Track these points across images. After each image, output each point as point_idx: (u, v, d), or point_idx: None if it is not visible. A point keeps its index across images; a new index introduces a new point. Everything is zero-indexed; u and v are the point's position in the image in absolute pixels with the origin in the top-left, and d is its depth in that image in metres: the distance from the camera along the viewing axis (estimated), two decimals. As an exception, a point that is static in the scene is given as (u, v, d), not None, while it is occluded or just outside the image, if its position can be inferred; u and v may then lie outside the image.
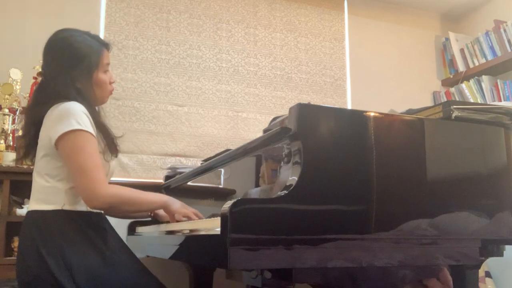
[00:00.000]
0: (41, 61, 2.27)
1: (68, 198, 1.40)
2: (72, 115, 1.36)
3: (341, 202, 1.06)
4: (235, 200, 0.96)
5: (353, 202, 1.08)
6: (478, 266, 1.32)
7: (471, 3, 3.35)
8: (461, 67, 3.23)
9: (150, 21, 2.70)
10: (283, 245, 0.99)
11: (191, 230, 1.35)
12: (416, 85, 3.33)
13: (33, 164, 1.54)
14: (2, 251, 2.05)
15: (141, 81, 2.63)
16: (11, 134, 2.24)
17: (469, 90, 3.12)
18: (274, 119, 1.88)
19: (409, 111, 1.43)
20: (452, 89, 3.27)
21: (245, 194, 1.46)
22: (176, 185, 2.22)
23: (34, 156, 1.51)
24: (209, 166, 1.76)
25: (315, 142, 1.07)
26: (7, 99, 2.25)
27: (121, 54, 2.58)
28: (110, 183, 1.44)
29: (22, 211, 2.12)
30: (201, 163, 2.01)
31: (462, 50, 3.25)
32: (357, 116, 1.14)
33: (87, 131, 1.37)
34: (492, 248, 1.30)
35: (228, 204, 0.96)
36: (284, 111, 2.74)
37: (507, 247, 1.34)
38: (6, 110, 2.24)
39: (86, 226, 1.41)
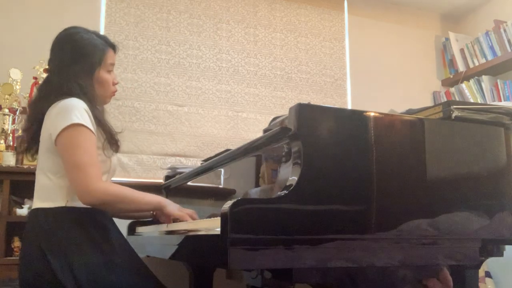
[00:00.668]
0: (41, 61, 2.29)
1: (71, 195, 1.40)
2: (72, 111, 1.37)
3: (341, 202, 1.06)
4: (235, 200, 0.96)
5: (353, 202, 1.08)
6: (478, 266, 1.32)
7: (471, 3, 3.35)
8: (461, 67, 3.23)
9: (150, 21, 2.71)
10: (283, 245, 0.99)
11: (191, 230, 1.35)
12: (416, 85, 3.33)
13: (34, 160, 1.56)
14: (2, 251, 2.06)
15: (141, 81, 2.63)
16: (11, 134, 2.24)
17: (469, 90, 3.12)
18: (274, 119, 1.88)
19: (409, 111, 1.43)
20: (452, 89, 3.27)
21: (245, 194, 1.46)
22: (176, 185, 2.22)
23: (35, 152, 1.52)
24: (209, 166, 1.76)
25: (315, 142, 1.07)
26: (7, 99, 2.25)
27: (121, 54, 2.58)
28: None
29: (22, 211, 2.13)
30: (201, 163, 2.01)
31: (462, 50, 3.25)
32: (357, 116, 1.14)
33: (85, 127, 1.37)
34: (492, 248, 1.30)
35: (228, 204, 0.96)
36: (284, 111, 2.74)
37: (507, 247, 1.34)
38: (6, 110, 2.24)
39: (89, 224, 1.41)
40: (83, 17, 2.57)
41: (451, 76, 3.33)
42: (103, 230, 1.44)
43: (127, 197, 1.42)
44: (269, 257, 0.97)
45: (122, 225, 2.01)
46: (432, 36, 3.51)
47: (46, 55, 2.36)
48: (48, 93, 1.47)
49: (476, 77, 3.12)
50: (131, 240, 1.96)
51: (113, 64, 1.59)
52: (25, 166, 2.15)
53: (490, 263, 2.34)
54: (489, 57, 3.05)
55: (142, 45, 2.66)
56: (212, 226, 1.14)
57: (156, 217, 1.79)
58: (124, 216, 1.84)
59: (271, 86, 2.92)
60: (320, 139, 1.08)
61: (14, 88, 2.28)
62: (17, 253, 2.13)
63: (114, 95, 1.63)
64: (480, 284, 2.04)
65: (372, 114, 1.15)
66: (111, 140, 1.49)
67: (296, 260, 1.00)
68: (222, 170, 1.71)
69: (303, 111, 1.07)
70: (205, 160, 1.96)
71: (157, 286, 1.47)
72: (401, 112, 1.43)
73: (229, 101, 2.81)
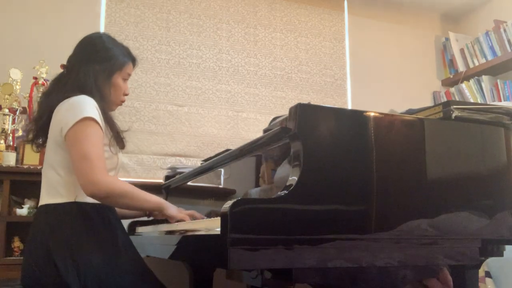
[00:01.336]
0: (41, 61, 2.29)
1: (80, 190, 1.41)
2: (82, 106, 1.40)
3: (341, 202, 1.06)
4: (235, 200, 0.96)
5: (353, 202, 1.08)
6: (478, 266, 1.32)
7: (471, 3, 3.35)
8: (461, 67, 3.23)
9: (150, 21, 2.71)
10: (283, 245, 0.99)
11: (191, 230, 1.35)
12: (416, 85, 3.33)
13: (37, 152, 1.62)
14: (2, 251, 2.05)
15: (141, 81, 2.63)
16: (11, 134, 2.24)
17: (469, 90, 3.12)
18: (274, 119, 1.88)
19: (409, 111, 1.43)
20: (452, 89, 3.27)
21: (245, 194, 1.46)
22: (176, 185, 2.22)
23: (41, 144, 1.55)
24: (209, 166, 1.76)
25: (315, 142, 1.07)
26: (7, 99, 2.25)
27: (121, 54, 2.58)
28: None
29: (22, 211, 2.13)
30: (201, 163, 2.01)
31: (462, 50, 3.25)
32: (357, 116, 1.14)
33: (95, 121, 1.40)
34: (492, 248, 1.30)
35: (228, 204, 0.96)
36: (284, 111, 2.74)
37: (507, 247, 1.34)
38: (6, 110, 2.24)
39: (97, 221, 1.42)
40: (83, 17, 2.58)
41: (451, 76, 3.33)
42: (110, 227, 1.46)
43: (130, 193, 1.43)
44: (269, 257, 0.97)
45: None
46: (432, 36, 3.51)
47: (46, 55, 2.37)
48: (63, 86, 1.51)
49: (476, 77, 3.12)
50: (131, 240, 1.96)
51: (129, 75, 1.65)
52: (25, 166, 2.15)
53: (490, 263, 2.34)
54: (489, 57, 3.05)
55: (142, 45, 2.66)
56: (212, 226, 1.14)
57: (152, 215, 1.81)
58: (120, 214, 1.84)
59: (271, 86, 2.92)
60: (320, 139, 1.08)
61: (14, 88, 2.28)
62: (17, 253, 2.13)
63: (121, 104, 1.67)
64: (480, 284, 2.04)
65: (372, 114, 1.15)
66: (118, 138, 1.52)
67: (296, 260, 1.00)
68: (222, 170, 1.71)
69: (303, 111, 1.07)
70: (205, 160, 1.96)
71: (157, 286, 1.48)
72: (401, 112, 1.43)
73: (229, 101, 2.81)
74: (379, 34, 3.32)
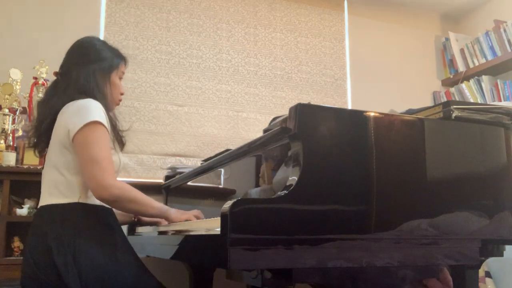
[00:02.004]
0: (41, 61, 2.29)
1: (84, 191, 1.43)
2: (91, 109, 1.42)
3: (341, 202, 1.06)
4: (235, 200, 0.96)
5: (353, 202, 1.08)
6: (478, 266, 1.32)
7: (471, 3, 3.35)
8: (461, 67, 3.23)
9: (150, 21, 2.70)
10: (283, 245, 0.99)
11: (191, 230, 1.35)
12: (416, 85, 3.33)
13: (40, 157, 1.61)
14: (2, 251, 2.05)
15: (141, 81, 2.63)
16: (11, 134, 2.24)
17: (469, 90, 3.12)
18: (274, 119, 1.88)
19: (409, 111, 1.43)
20: (452, 89, 3.27)
21: (245, 194, 1.46)
22: (176, 185, 2.22)
23: (43, 148, 1.55)
24: (209, 166, 1.76)
25: (315, 142, 1.07)
26: (7, 99, 2.25)
27: (121, 54, 2.58)
28: None
29: (22, 211, 2.13)
30: (201, 163, 2.01)
31: (462, 50, 3.25)
32: (357, 116, 1.14)
33: (103, 125, 1.41)
34: (492, 248, 1.30)
35: (228, 204, 0.96)
36: (284, 111, 2.74)
37: (507, 247, 1.34)
38: (6, 110, 2.24)
39: (98, 222, 1.43)
40: (83, 17, 2.58)
41: (451, 76, 3.33)
42: (110, 229, 1.46)
43: (139, 199, 1.44)
44: (269, 257, 0.97)
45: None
46: (432, 36, 3.51)
47: (46, 55, 2.37)
48: (64, 90, 1.52)
49: (476, 77, 3.12)
50: (131, 240, 1.97)
51: (123, 73, 1.67)
52: (25, 166, 2.15)
53: (490, 263, 2.34)
54: (489, 57, 3.04)
55: (142, 45, 2.66)
56: (212, 226, 1.14)
57: (138, 220, 1.83)
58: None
59: (271, 86, 2.92)
60: (320, 139, 1.08)
61: (14, 88, 2.28)
62: (17, 253, 2.13)
63: (118, 104, 1.68)
64: (480, 284, 2.04)
65: (372, 114, 1.15)
66: (118, 138, 1.55)
67: (296, 260, 1.00)
68: (222, 170, 1.71)
69: (303, 111, 1.07)
70: (205, 160, 1.96)
71: (157, 286, 1.48)
72: (401, 112, 1.43)
73: (229, 101, 2.81)
74: (379, 34, 3.32)
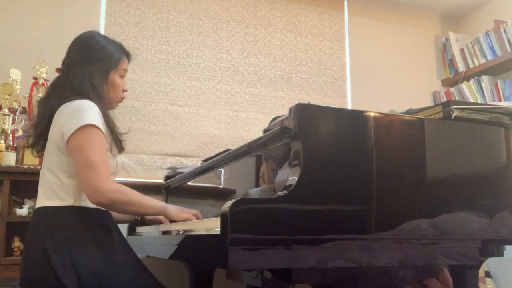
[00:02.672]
0: (41, 61, 2.29)
1: (79, 194, 1.42)
2: (85, 111, 1.40)
3: (341, 202, 1.06)
4: (235, 200, 0.96)
5: (353, 202, 1.08)
6: (478, 266, 1.32)
7: (471, 3, 3.35)
8: (461, 67, 3.23)
9: (150, 21, 2.70)
10: (283, 245, 0.99)
11: (191, 230, 1.35)
12: (416, 85, 3.33)
13: (38, 157, 1.60)
14: (2, 251, 2.05)
15: (141, 81, 2.63)
16: (11, 134, 2.24)
17: (469, 90, 3.12)
18: (274, 119, 1.88)
19: (409, 111, 1.43)
20: (452, 89, 3.27)
21: (245, 194, 1.46)
22: (176, 185, 2.22)
23: (41, 149, 1.54)
24: (209, 166, 1.76)
25: (315, 142, 1.07)
26: (7, 99, 2.25)
27: (121, 54, 2.58)
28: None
29: (22, 211, 2.12)
30: (201, 163, 2.01)
31: (462, 50, 3.25)
32: (357, 116, 1.14)
33: (98, 128, 1.40)
34: (492, 248, 1.30)
35: (228, 204, 0.96)
36: (284, 111, 2.74)
37: (507, 247, 1.34)
38: (6, 110, 2.24)
39: (95, 224, 1.43)
40: (83, 17, 2.58)
41: (451, 76, 3.33)
42: (107, 231, 1.46)
43: (135, 199, 1.43)
44: (269, 257, 0.97)
45: (122, 224, 2.01)
46: (432, 36, 3.50)
47: (46, 55, 2.37)
48: (61, 90, 1.51)
49: (476, 77, 3.12)
50: (131, 240, 1.97)
51: (126, 70, 1.64)
52: (25, 166, 2.15)
53: (490, 263, 2.34)
54: (489, 57, 3.04)
55: (142, 45, 2.66)
56: (212, 226, 1.14)
57: (142, 220, 1.82)
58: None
59: (271, 86, 2.92)
60: (320, 139, 1.08)
61: (14, 88, 2.28)
62: (17, 253, 2.13)
63: (121, 101, 1.67)
64: (480, 284, 2.04)
65: (372, 114, 1.15)
66: (117, 141, 1.53)
67: (296, 260, 1.00)
68: (222, 170, 1.71)
69: (303, 111, 1.07)
70: (205, 160, 1.96)
71: (156, 286, 1.48)
72: (401, 112, 1.43)
73: (229, 101, 2.81)
74: (379, 34, 3.32)
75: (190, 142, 2.67)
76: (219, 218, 0.99)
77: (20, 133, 2.29)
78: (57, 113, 1.45)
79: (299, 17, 3.08)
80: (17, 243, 2.15)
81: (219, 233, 0.98)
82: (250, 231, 0.96)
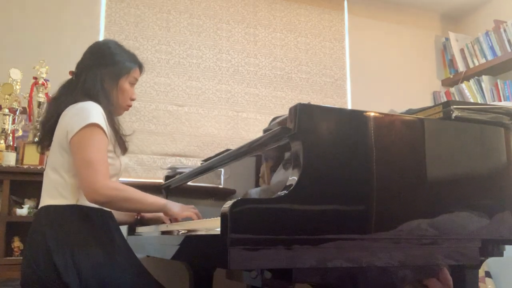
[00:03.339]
0: (41, 61, 2.29)
1: (82, 193, 1.42)
2: (89, 112, 1.42)
3: (341, 202, 1.06)
4: (235, 200, 0.96)
5: (353, 202, 1.08)
6: (478, 266, 1.32)
7: (471, 3, 3.35)
8: (461, 67, 3.23)
9: (150, 21, 2.70)
10: (283, 245, 0.99)
11: (191, 230, 1.35)
12: (416, 85, 3.33)
13: (42, 154, 1.63)
14: (2, 251, 2.05)
15: (141, 81, 2.61)
16: (11, 134, 2.24)
17: (469, 90, 3.12)
18: (274, 119, 1.88)
19: (409, 111, 1.43)
20: (452, 89, 3.27)
21: (245, 194, 1.46)
22: (176, 185, 2.22)
23: (47, 146, 1.56)
24: (209, 166, 1.76)
25: (315, 142, 1.07)
26: (7, 99, 2.25)
27: (121, 54, 2.58)
28: None
29: (22, 211, 2.12)
30: (201, 163, 2.01)
31: (462, 50, 3.25)
32: (357, 116, 1.14)
33: (100, 127, 1.41)
34: (492, 248, 1.30)
35: (228, 204, 0.96)
36: (284, 111, 2.74)
37: (507, 247, 1.34)
38: (6, 110, 2.23)
39: (97, 223, 1.44)
40: (83, 17, 2.58)
41: (451, 76, 3.33)
42: (108, 231, 1.47)
43: (133, 197, 1.44)
44: (269, 257, 0.97)
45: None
46: (432, 36, 3.50)
47: (46, 55, 2.37)
48: (71, 91, 1.53)
49: (476, 77, 3.12)
50: (131, 240, 1.97)
51: (136, 80, 1.66)
52: (25, 166, 2.15)
53: (490, 263, 2.34)
54: (489, 57, 3.04)
55: (142, 45, 2.66)
56: (212, 226, 1.14)
57: (141, 219, 1.82)
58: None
59: (271, 86, 2.92)
60: (320, 139, 1.08)
61: (14, 88, 2.27)
62: (17, 253, 2.13)
63: (128, 109, 1.68)
64: (480, 284, 2.04)
65: (372, 114, 1.15)
66: (121, 142, 1.54)
67: (296, 260, 1.00)
68: (222, 170, 1.71)
69: (303, 111, 1.07)
70: (205, 160, 1.96)
71: (156, 286, 1.48)
72: (401, 112, 1.43)
73: (229, 101, 2.81)
74: (379, 34, 3.32)
75: (190, 142, 2.67)
76: (219, 218, 0.99)
77: (20, 133, 2.29)
78: (63, 113, 1.47)
79: (299, 17, 3.08)
80: (17, 243, 2.14)
81: (219, 233, 0.98)
82: (250, 231, 0.96)
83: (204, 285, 2.13)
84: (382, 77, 3.24)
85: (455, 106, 1.27)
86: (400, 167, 1.16)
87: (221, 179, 1.74)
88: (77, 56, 1.63)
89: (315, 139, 1.07)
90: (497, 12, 3.16)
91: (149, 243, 1.78)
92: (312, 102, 2.55)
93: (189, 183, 2.05)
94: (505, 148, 1.31)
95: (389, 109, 1.64)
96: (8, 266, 2.02)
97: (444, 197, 1.20)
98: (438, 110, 1.31)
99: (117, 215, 1.61)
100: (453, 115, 1.26)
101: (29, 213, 2.12)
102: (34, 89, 2.29)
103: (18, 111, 2.28)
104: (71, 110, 1.45)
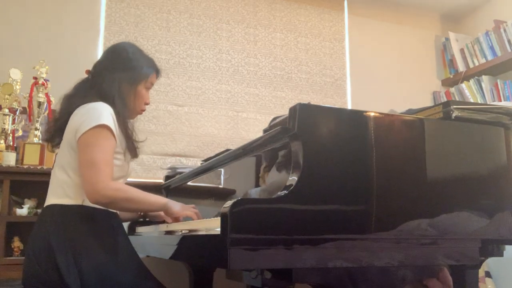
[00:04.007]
0: (41, 61, 2.29)
1: None
2: (99, 112, 1.41)
3: (341, 202, 1.06)
4: (235, 200, 0.96)
5: (353, 202, 1.08)
6: (478, 266, 1.32)
7: (471, 3, 3.35)
8: (461, 67, 3.23)
9: (150, 21, 2.71)
10: (283, 245, 0.99)
11: (191, 230, 1.35)
12: (416, 85, 3.33)
13: (53, 152, 1.62)
14: (2, 251, 2.05)
15: (141, 81, 2.62)
16: (11, 134, 2.24)
17: (469, 90, 3.12)
18: (274, 119, 1.88)
19: (409, 111, 1.43)
20: (452, 89, 3.27)
21: (245, 194, 1.46)
22: (176, 185, 2.22)
23: (56, 145, 1.55)
24: (209, 166, 1.76)
25: (315, 142, 1.07)
26: (7, 99, 2.25)
27: (121, 54, 2.58)
28: None
29: (22, 211, 2.12)
30: (201, 163, 2.01)
31: (462, 50, 3.25)
32: (357, 116, 1.14)
33: (108, 128, 1.40)
34: (492, 248, 1.30)
35: (228, 204, 0.96)
36: (284, 111, 2.74)
37: (507, 247, 1.34)
38: (6, 110, 2.24)
39: (101, 224, 1.44)
40: (83, 17, 2.58)
41: (451, 76, 3.33)
42: (112, 232, 1.47)
43: (134, 197, 1.44)
44: (269, 257, 0.97)
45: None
46: (432, 36, 3.51)
47: (46, 55, 2.37)
48: (86, 91, 1.53)
49: (476, 77, 3.12)
50: (131, 240, 1.97)
51: (152, 84, 1.67)
52: (25, 166, 2.15)
53: (490, 263, 2.34)
54: (489, 57, 3.04)
55: (142, 45, 2.65)
56: (212, 226, 1.14)
57: (146, 216, 1.82)
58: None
59: (271, 86, 2.92)
60: (320, 139, 1.08)
61: (14, 88, 2.28)
62: (17, 253, 2.13)
63: (141, 113, 1.68)
64: (480, 284, 2.04)
65: (372, 114, 1.15)
66: (131, 147, 1.54)
67: (296, 260, 1.00)
68: (222, 170, 1.71)
69: (303, 111, 1.07)
70: (205, 160, 1.96)
71: (158, 287, 1.48)
72: (401, 112, 1.43)
73: (229, 101, 2.81)
74: (379, 34, 3.32)
75: (190, 142, 2.67)
76: (219, 218, 0.99)
77: (20, 133, 2.29)
78: (74, 113, 1.47)
79: (299, 17, 3.08)
80: (17, 243, 2.15)
81: (219, 233, 0.98)
82: (250, 231, 0.96)
83: (204, 285, 2.13)
84: (382, 77, 3.24)
85: (455, 106, 1.27)
86: (400, 167, 1.16)
87: (221, 179, 1.74)
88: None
89: (315, 139, 1.07)
90: (497, 12, 3.16)
91: (149, 243, 1.78)
92: (312, 102, 2.55)
93: (189, 183, 2.05)
94: (505, 148, 1.31)
95: (389, 109, 1.64)
96: (8, 266, 2.02)
97: (444, 197, 1.20)
98: (438, 110, 1.31)
99: (122, 212, 1.62)
100: (453, 115, 1.26)
101: (29, 213, 2.12)
102: (34, 89, 2.29)
103: (18, 111, 2.28)
104: (81, 110, 1.45)
